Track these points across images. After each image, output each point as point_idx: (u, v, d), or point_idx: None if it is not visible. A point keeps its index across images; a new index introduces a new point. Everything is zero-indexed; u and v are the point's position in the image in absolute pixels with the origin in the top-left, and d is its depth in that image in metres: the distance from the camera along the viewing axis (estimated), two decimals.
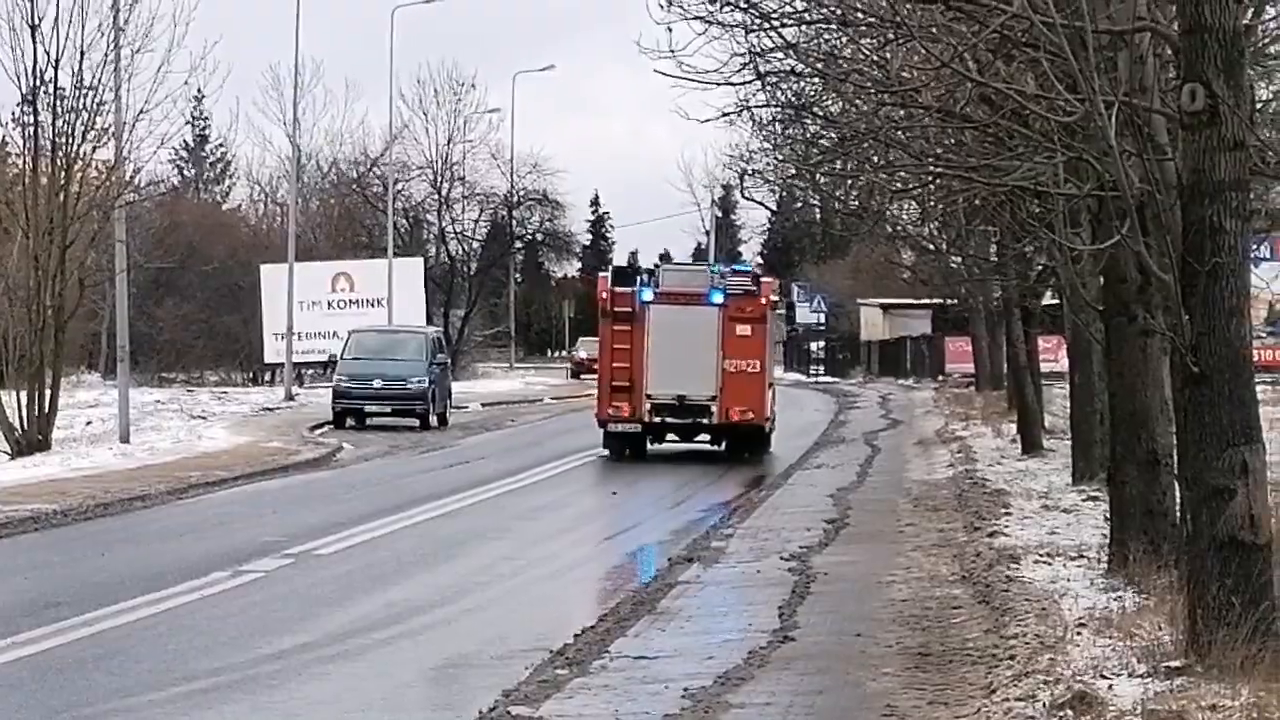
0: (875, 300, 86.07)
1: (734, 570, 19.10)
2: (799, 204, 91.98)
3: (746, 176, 49.02)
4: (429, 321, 65.35)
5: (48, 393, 34.56)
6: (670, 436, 35.77)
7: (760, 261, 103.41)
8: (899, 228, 34.94)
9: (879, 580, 17.61)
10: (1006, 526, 20.57)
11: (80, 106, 34.99)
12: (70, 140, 34.90)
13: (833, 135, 19.21)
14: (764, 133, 26.79)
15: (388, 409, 44.29)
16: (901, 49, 14.72)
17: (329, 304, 66.78)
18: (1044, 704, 10.82)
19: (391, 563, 20.03)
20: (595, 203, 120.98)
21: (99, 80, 34.95)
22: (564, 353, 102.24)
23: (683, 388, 34.66)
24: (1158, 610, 13.00)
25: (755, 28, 16.34)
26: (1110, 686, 11.07)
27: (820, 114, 19.51)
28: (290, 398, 55.36)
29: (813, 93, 19.78)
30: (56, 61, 34.55)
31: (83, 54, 34.61)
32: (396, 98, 78.90)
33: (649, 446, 35.45)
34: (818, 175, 24.57)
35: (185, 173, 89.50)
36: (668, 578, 18.52)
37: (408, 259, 70.35)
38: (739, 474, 32.38)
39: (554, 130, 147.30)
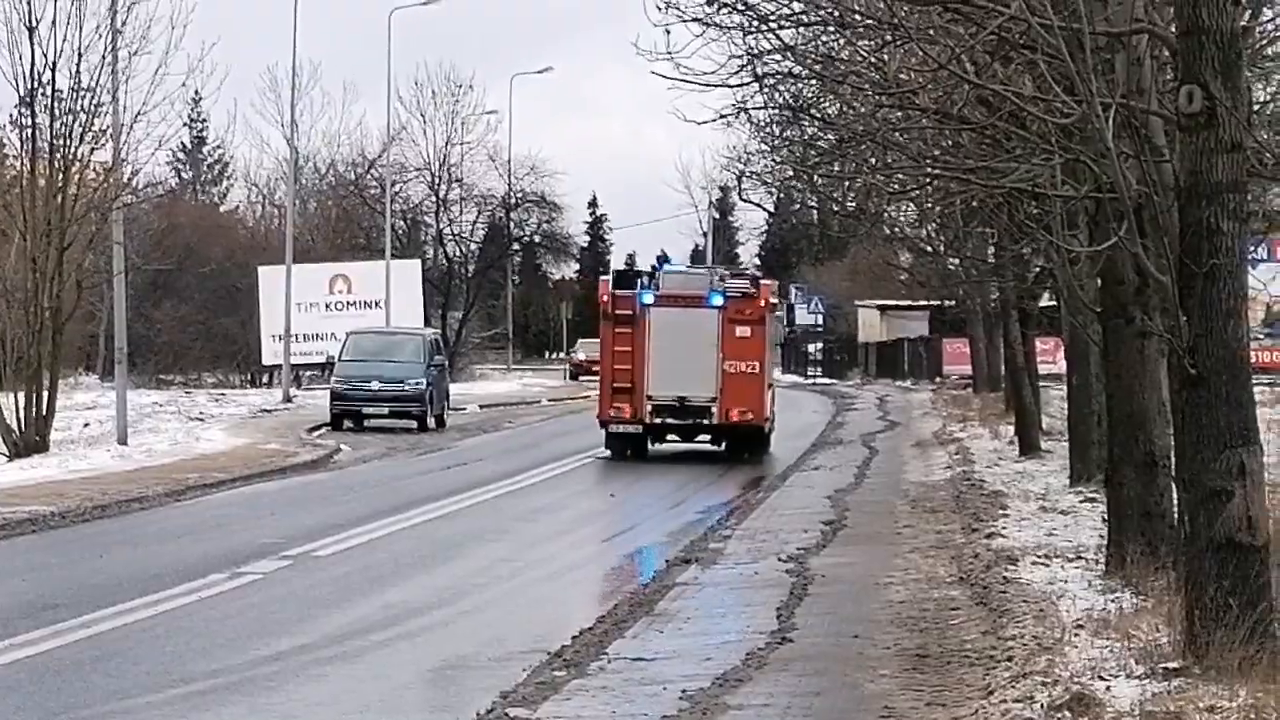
0: (873, 302, 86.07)
1: (732, 572, 19.09)
2: (797, 206, 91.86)
3: (744, 178, 49.12)
4: (427, 323, 65.28)
5: (45, 394, 34.54)
6: (671, 437, 35.90)
7: (758, 263, 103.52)
8: (897, 229, 34.93)
9: (877, 582, 17.61)
10: (1004, 528, 20.56)
11: (78, 108, 35.00)
12: (68, 142, 34.91)
13: (830, 137, 19.22)
14: (762, 134, 26.73)
15: (385, 411, 44.22)
16: (899, 51, 14.71)
17: (327, 306, 66.66)
18: (1042, 705, 10.83)
19: (389, 564, 20.01)
20: (593, 204, 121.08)
21: (97, 82, 35.04)
22: (562, 354, 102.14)
23: (683, 389, 34.78)
24: (1155, 611, 13.01)
25: (753, 30, 16.38)
26: (1108, 688, 11.08)
27: (818, 116, 19.49)
28: (288, 399, 55.34)
29: (810, 94, 19.76)
30: (54, 63, 34.55)
31: (80, 56, 34.66)
32: (394, 99, 78.75)
33: (650, 447, 35.55)
34: (815, 177, 24.62)
35: (183, 174, 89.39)
36: (666, 579, 18.51)
37: (405, 261, 70.27)
38: (736, 475, 32.39)
39: (552, 132, 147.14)
